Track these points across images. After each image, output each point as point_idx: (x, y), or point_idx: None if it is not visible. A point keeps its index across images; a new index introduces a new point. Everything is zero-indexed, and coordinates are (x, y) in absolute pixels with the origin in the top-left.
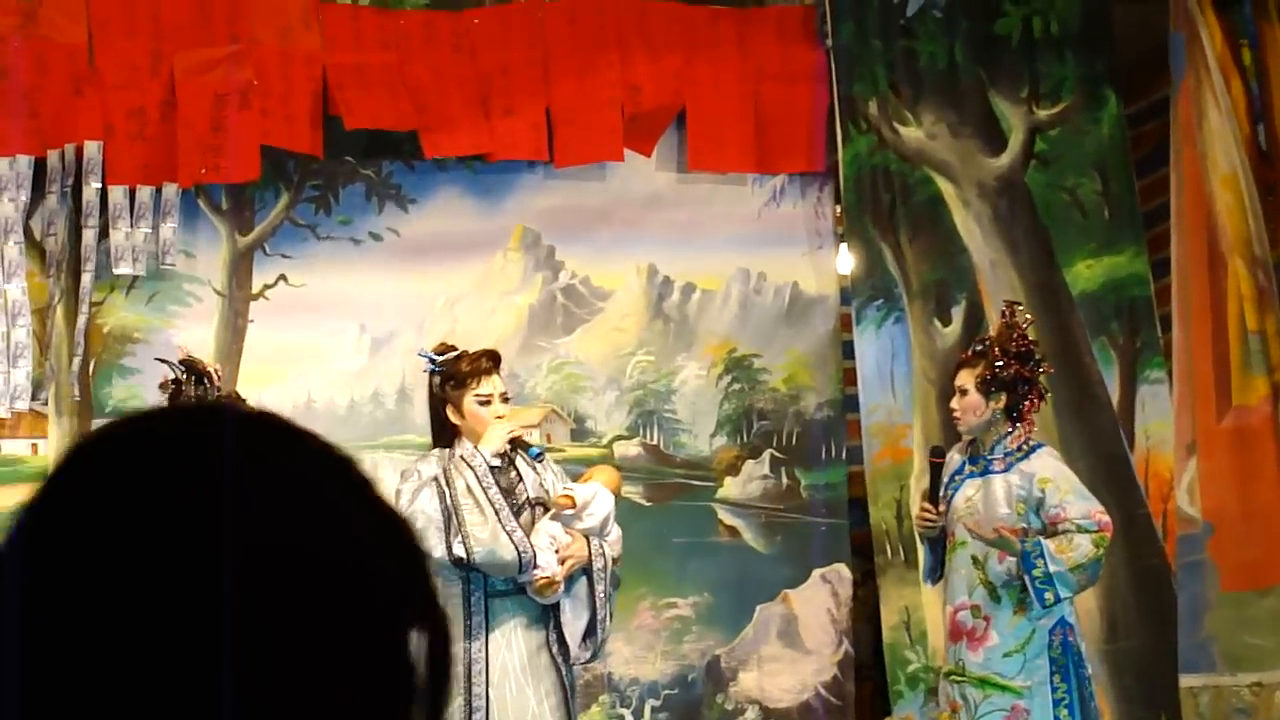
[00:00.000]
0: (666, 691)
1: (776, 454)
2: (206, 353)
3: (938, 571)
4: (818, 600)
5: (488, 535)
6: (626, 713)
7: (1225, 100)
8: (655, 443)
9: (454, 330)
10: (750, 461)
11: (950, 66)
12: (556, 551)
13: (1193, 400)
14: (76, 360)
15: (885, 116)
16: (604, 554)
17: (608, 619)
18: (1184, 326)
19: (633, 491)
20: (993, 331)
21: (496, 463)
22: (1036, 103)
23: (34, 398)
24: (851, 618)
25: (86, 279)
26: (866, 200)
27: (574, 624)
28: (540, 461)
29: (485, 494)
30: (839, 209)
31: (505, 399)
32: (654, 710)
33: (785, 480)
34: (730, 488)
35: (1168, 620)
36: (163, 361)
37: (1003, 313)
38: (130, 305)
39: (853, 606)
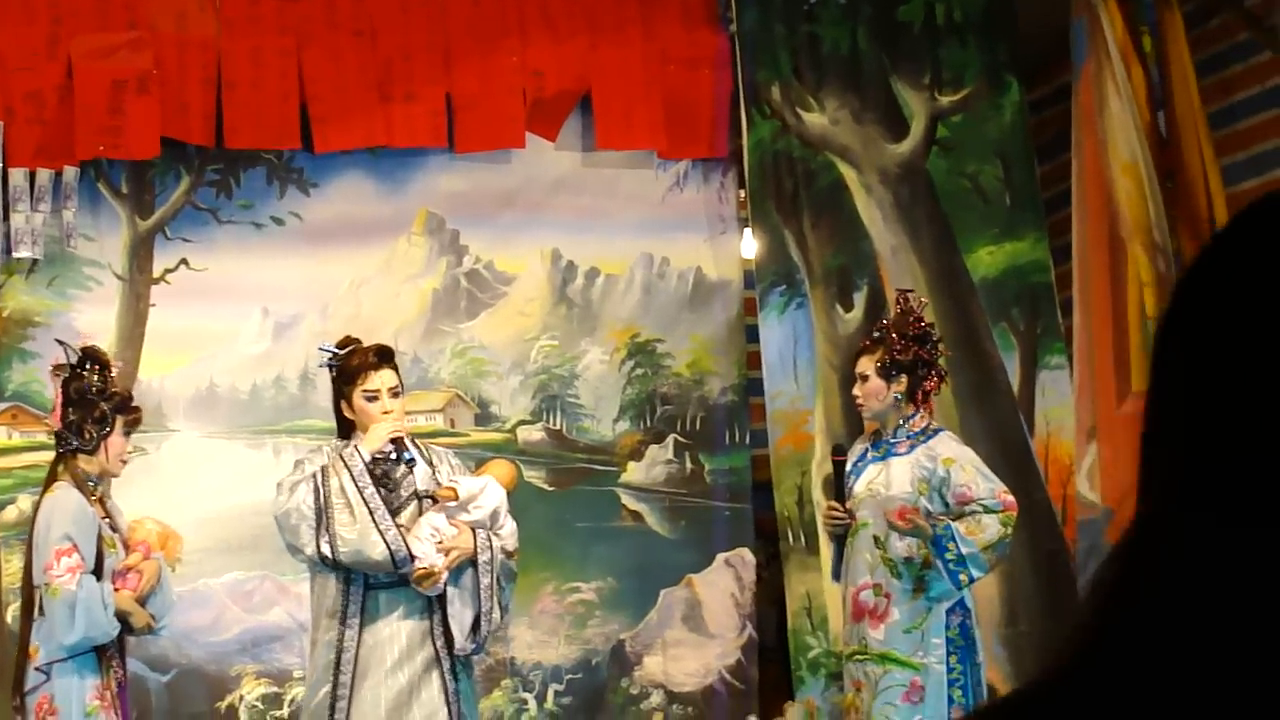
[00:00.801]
0: (570, 676)
1: (680, 439)
2: (109, 337)
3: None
4: (721, 584)
5: (355, 536)
6: (529, 697)
7: (1126, 87)
8: (559, 427)
9: (358, 314)
10: (654, 446)
11: (853, 52)
12: (440, 544)
13: (1093, 386)
14: None
15: (789, 102)
16: (491, 546)
17: (495, 611)
18: (1084, 312)
19: (536, 476)
20: (890, 320)
21: (382, 457)
22: (939, 89)
23: None
24: (755, 602)
25: None
26: (770, 186)
27: (461, 615)
28: (411, 467)
29: (360, 494)
30: (743, 194)
31: (395, 394)
32: (557, 695)
33: (689, 465)
34: (634, 472)
35: (1067, 605)
36: (60, 343)
37: (897, 300)
38: (30, 289)
39: (757, 590)
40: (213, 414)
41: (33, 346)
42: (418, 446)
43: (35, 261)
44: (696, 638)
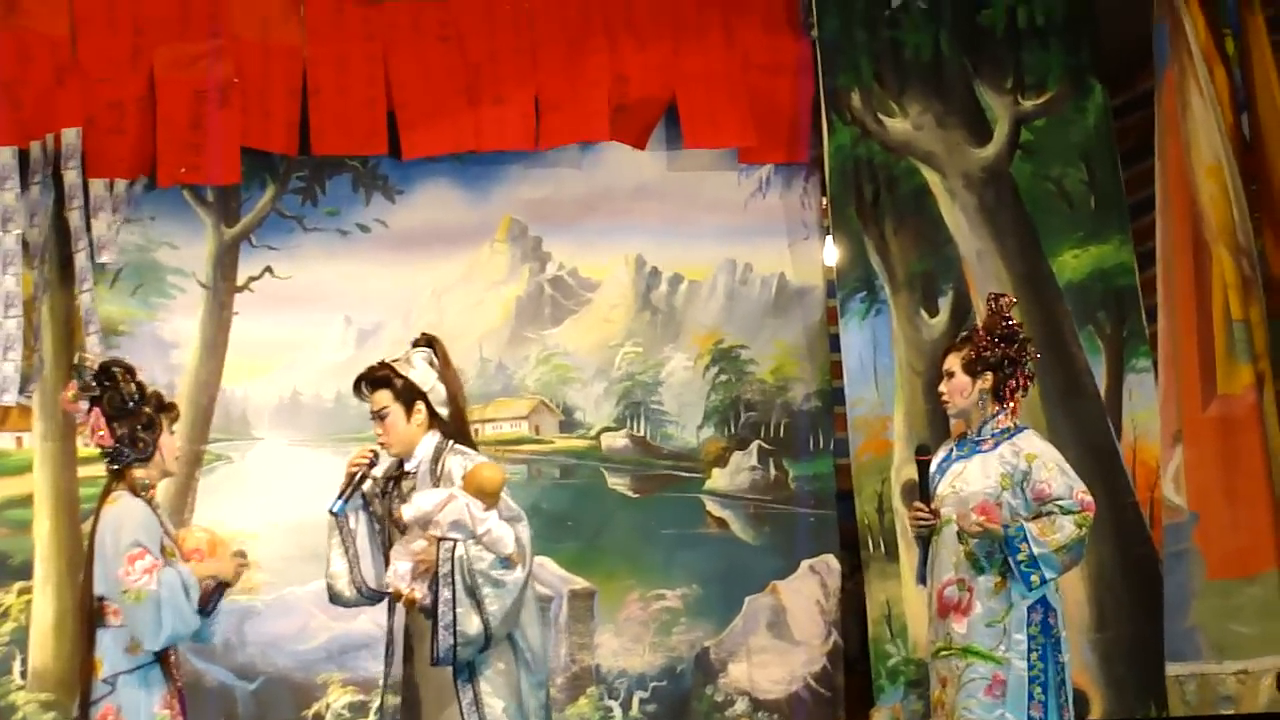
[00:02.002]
0: (655, 683)
1: (764, 445)
2: (192, 346)
3: None
4: (806, 591)
5: (332, 574)
6: (614, 704)
7: (1209, 90)
8: (643, 434)
9: (441, 322)
10: (738, 453)
11: (935, 57)
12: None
13: (1178, 389)
14: (94, 336)
15: (870, 108)
16: (453, 558)
17: (455, 623)
18: (1169, 315)
19: (620, 483)
20: (979, 321)
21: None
22: (1022, 93)
23: (21, 391)
24: (840, 609)
25: (81, 258)
26: (850, 192)
27: (441, 631)
28: (340, 517)
29: (339, 532)
30: (824, 201)
31: (381, 417)
32: (642, 702)
33: (773, 471)
34: (718, 479)
35: (1155, 609)
36: (75, 367)
37: (988, 301)
38: (114, 298)
39: (841, 598)
40: (297, 422)
41: (117, 355)
42: (382, 475)
43: (120, 271)
44: (781, 644)
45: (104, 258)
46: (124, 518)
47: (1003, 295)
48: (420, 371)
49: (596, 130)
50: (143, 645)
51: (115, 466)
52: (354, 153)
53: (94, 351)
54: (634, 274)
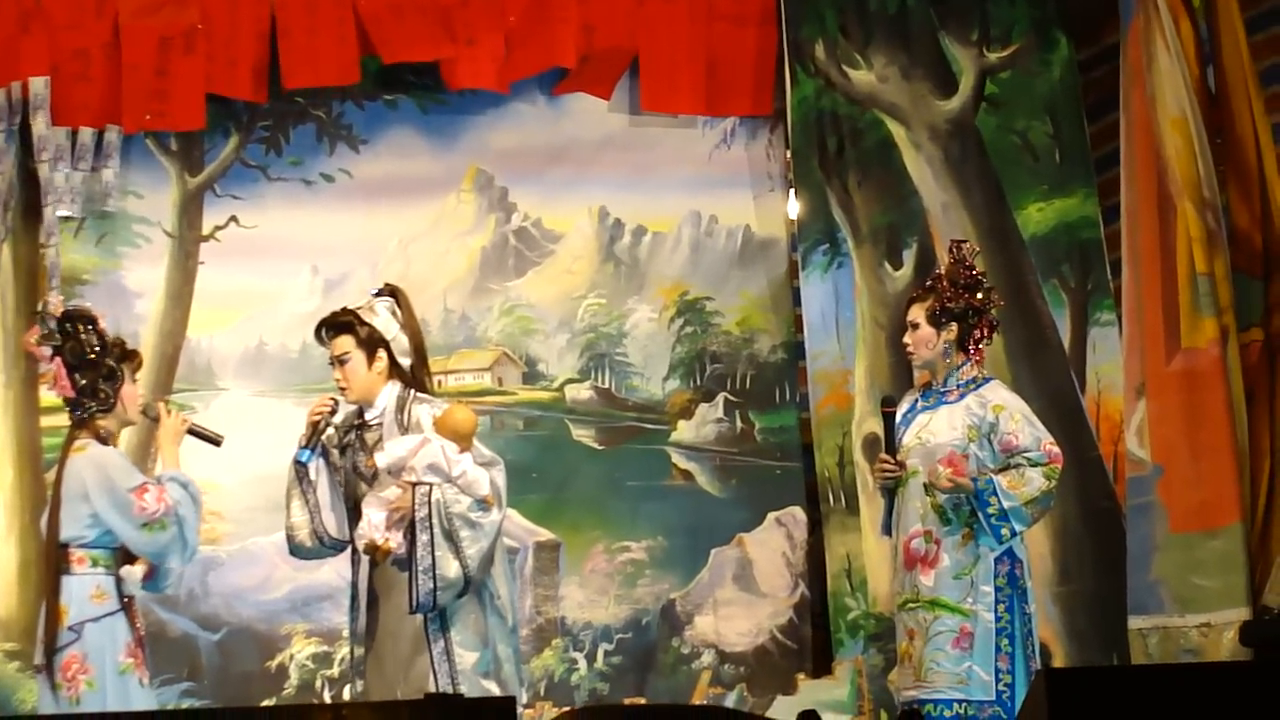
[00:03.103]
0: (620, 635)
1: (730, 397)
2: (157, 295)
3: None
4: (772, 543)
5: (291, 523)
6: (579, 656)
7: (1175, 43)
8: (607, 386)
9: (407, 272)
10: (703, 405)
11: (901, 9)
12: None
13: (1142, 342)
14: (55, 292)
15: (834, 59)
16: (430, 501)
17: (434, 567)
18: (1133, 269)
19: (585, 435)
20: (943, 270)
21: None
22: (987, 45)
23: None
24: (806, 561)
25: (49, 213)
26: (813, 144)
27: (420, 576)
28: (304, 466)
29: (299, 482)
30: (789, 153)
31: (343, 361)
32: (607, 654)
33: (739, 424)
34: (684, 431)
35: (1118, 562)
36: (37, 314)
37: (950, 250)
38: (79, 246)
39: (807, 550)
40: (261, 372)
41: (83, 304)
42: (348, 424)
43: (84, 220)
44: (747, 597)
45: (63, 209)
46: (107, 465)
47: (964, 242)
48: (383, 319)
49: (563, 57)
50: (172, 565)
51: (76, 416)
52: (327, 83)
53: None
54: (598, 225)
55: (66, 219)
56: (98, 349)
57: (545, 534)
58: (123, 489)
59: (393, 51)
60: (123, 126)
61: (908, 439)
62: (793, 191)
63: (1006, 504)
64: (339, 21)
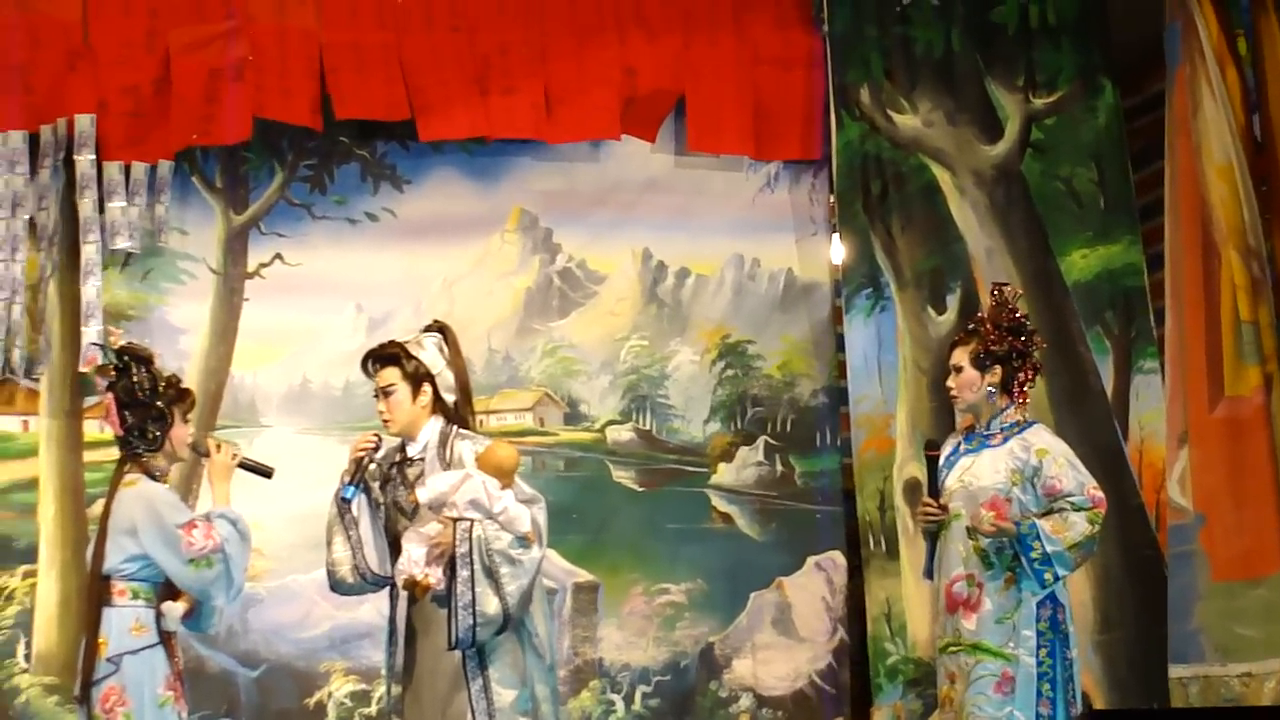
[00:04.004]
0: (658, 678)
1: (771, 441)
2: (202, 331)
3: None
4: (812, 588)
5: (332, 559)
6: (617, 698)
7: (1221, 90)
8: (648, 428)
9: (451, 312)
10: (744, 448)
11: (946, 54)
12: (434, 545)
13: (1185, 390)
14: (95, 327)
15: (879, 104)
16: (470, 537)
17: (474, 603)
18: (1177, 316)
19: (625, 476)
20: (985, 313)
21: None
22: (1033, 91)
23: (27, 374)
24: (846, 605)
25: (90, 249)
26: (858, 188)
27: (460, 612)
28: (347, 503)
29: (340, 518)
30: (833, 197)
31: (388, 393)
32: (645, 697)
33: (779, 467)
34: (724, 474)
35: (1160, 611)
36: (96, 345)
37: (992, 293)
38: (124, 282)
39: (847, 595)
40: (305, 410)
41: (140, 344)
42: (384, 462)
43: (129, 255)
44: (786, 641)
45: (118, 243)
46: (156, 501)
47: (1006, 285)
48: (430, 354)
49: (608, 128)
50: (217, 603)
51: (125, 453)
52: (377, 117)
53: (91, 344)
54: (641, 267)
55: (117, 253)
56: (147, 390)
57: (584, 575)
58: (171, 525)
59: (429, 126)
60: (170, 146)
61: (950, 482)
62: (836, 236)
63: (1049, 548)
64: (384, 64)
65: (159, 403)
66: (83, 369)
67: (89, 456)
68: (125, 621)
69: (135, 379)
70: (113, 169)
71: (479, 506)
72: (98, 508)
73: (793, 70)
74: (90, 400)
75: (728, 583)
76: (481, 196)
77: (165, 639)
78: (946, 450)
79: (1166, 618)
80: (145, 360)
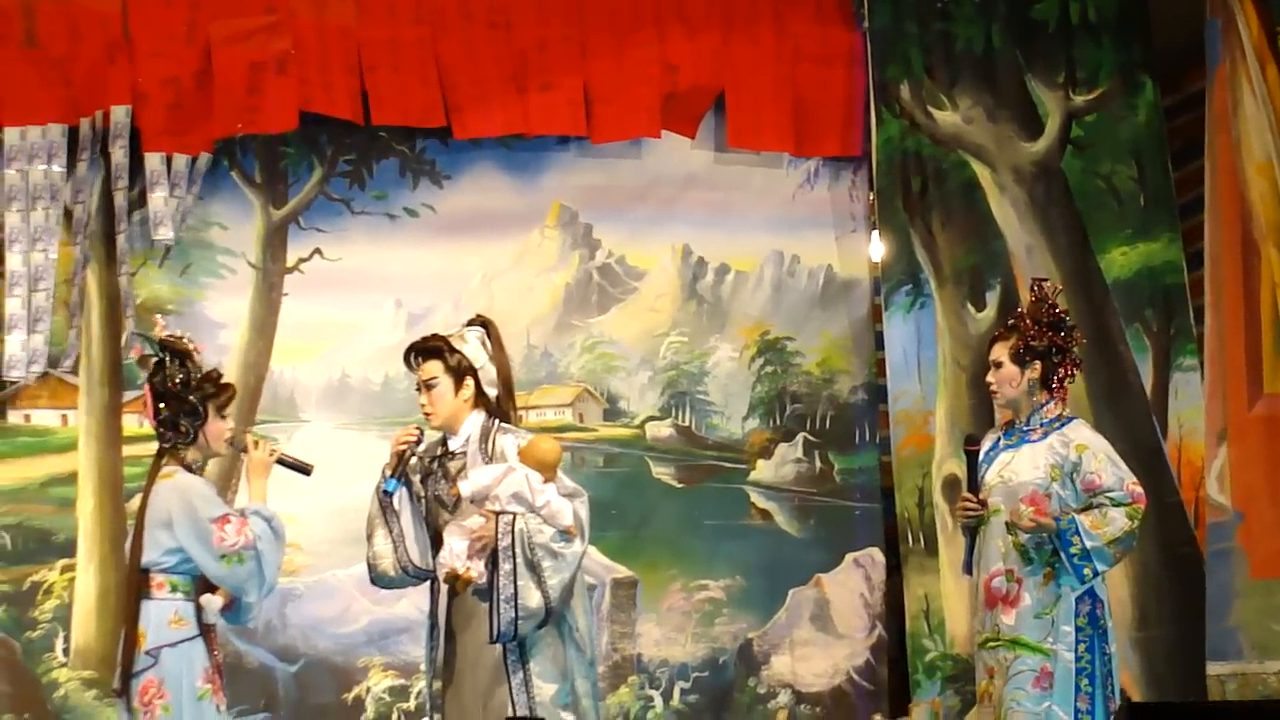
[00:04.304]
0: (696, 674)
1: (810, 437)
2: (241, 326)
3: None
4: (850, 584)
5: (373, 553)
6: (656, 694)
7: (1261, 87)
8: (688, 424)
9: (491, 307)
10: (783, 444)
11: (987, 51)
12: (476, 539)
13: (1224, 387)
14: (129, 320)
15: (919, 100)
16: (513, 531)
17: (516, 596)
18: (1216, 313)
19: (664, 473)
20: (1025, 309)
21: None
22: (1074, 88)
23: (54, 365)
24: (884, 602)
25: (121, 239)
26: (897, 184)
27: (502, 605)
28: (389, 496)
29: (382, 512)
30: (873, 193)
31: (430, 386)
32: (683, 692)
33: (819, 464)
34: (763, 470)
35: (1197, 608)
36: (139, 335)
37: (1032, 288)
38: (163, 276)
39: (886, 592)
40: (344, 405)
41: (181, 336)
42: (440, 452)
43: (169, 249)
44: (825, 637)
45: (160, 234)
46: (191, 493)
47: (1046, 280)
48: (473, 348)
49: (648, 127)
50: (248, 598)
51: (162, 445)
52: (412, 124)
53: (130, 335)
54: (680, 264)
55: (156, 246)
56: (179, 383)
57: (623, 571)
58: (205, 519)
59: (464, 124)
60: (213, 134)
61: (990, 477)
62: (875, 233)
63: (1089, 544)
64: (421, 63)
65: (192, 397)
66: (127, 359)
67: (128, 451)
68: (164, 614)
69: (168, 371)
70: (154, 159)
71: (521, 500)
72: (136, 502)
73: (833, 67)
74: (129, 394)
75: (766, 579)
76: (521, 192)
77: (204, 632)
78: (986, 445)
79: (1204, 615)
80: (182, 354)
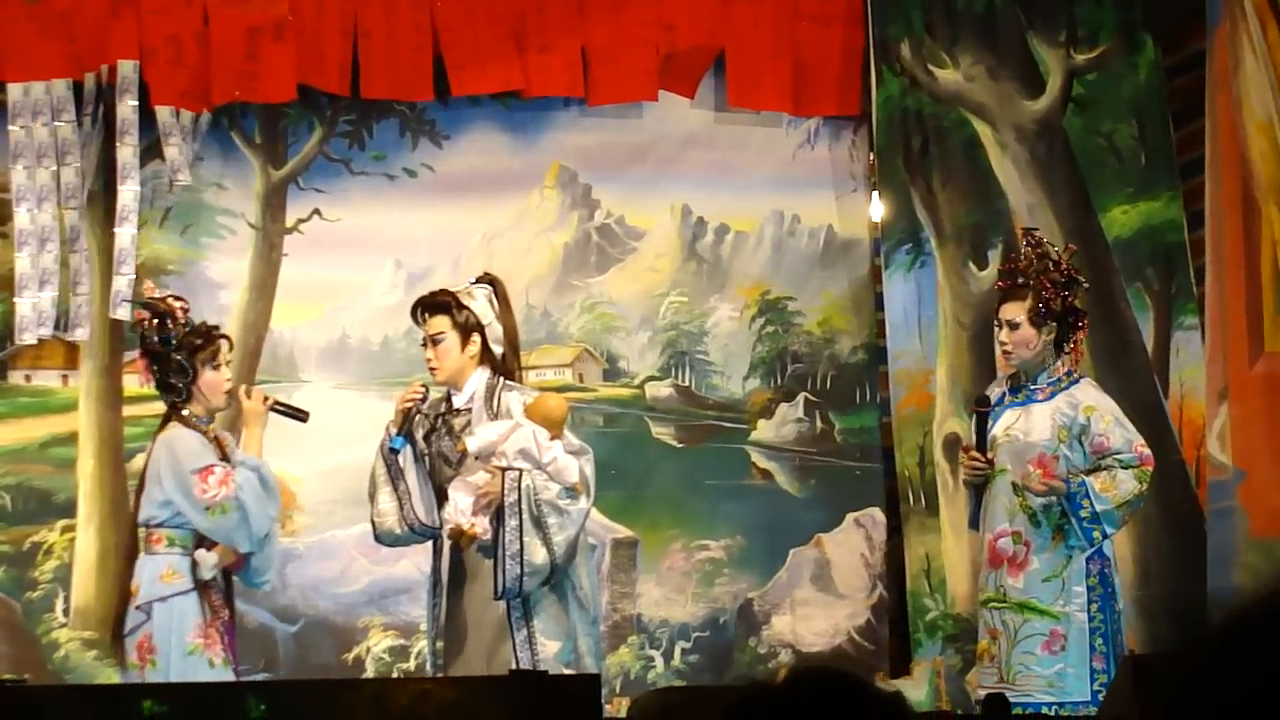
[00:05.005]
0: (697, 634)
1: (810, 397)
2: (241, 286)
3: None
4: (851, 544)
5: (378, 510)
6: (656, 654)
7: (1261, 45)
8: (688, 384)
9: (490, 267)
10: (784, 404)
11: (988, 9)
12: (481, 495)
13: (1224, 346)
14: (128, 276)
15: (919, 59)
16: (519, 487)
17: (521, 552)
18: (1217, 272)
19: (665, 433)
20: (1023, 262)
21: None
22: (1074, 46)
23: (58, 326)
24: (885, 562)
25: (127, 195)
26: (898, 143)
27: (507, 561)
28: (396, 454)
29: (387, 469)
30: (873, 153)
31: (437, 341)
32: (684, 652)
33: (819, 424)
34: (763, 430)
35: (1199, 567)
36: (125, 301)
37: (1025, 240)
38: (163, 237)
39: (886, 552)
40: (344, 365)
41: (160, 295)
42: (443, 409)
43: (168, 210)
44: (825, 597)
45: (181, 178)
46: (177, 445)
47: (1036, 230)
48: (480, 304)
49: (646, 90)
50: (240, 550)
51: (165, 404)
52: (401, 98)
53: (125, 293)
54: (680, 223)
55: (156, 206)
56: (160, 341)
57: (623, 531)
58: (187, 470)
59: (462, 81)
60: (211, 98)
61: (995, 432)
62: (875, 193)
63: (1099, 506)
64: (416, 27)
65: (177, 355)
66: (116, 316)
67: (128, 411)
68: (158, 568)
69: (146, 332)
70: (164, 112)
71: (528, 456)
72: (137, 462)
73: (831, 26)
74: (129, 355)
75: (767, 539)
76: (520, 152)
77: (200, 587)
78: (991, 400)
79: (1205, 573)
80: (163, 313)
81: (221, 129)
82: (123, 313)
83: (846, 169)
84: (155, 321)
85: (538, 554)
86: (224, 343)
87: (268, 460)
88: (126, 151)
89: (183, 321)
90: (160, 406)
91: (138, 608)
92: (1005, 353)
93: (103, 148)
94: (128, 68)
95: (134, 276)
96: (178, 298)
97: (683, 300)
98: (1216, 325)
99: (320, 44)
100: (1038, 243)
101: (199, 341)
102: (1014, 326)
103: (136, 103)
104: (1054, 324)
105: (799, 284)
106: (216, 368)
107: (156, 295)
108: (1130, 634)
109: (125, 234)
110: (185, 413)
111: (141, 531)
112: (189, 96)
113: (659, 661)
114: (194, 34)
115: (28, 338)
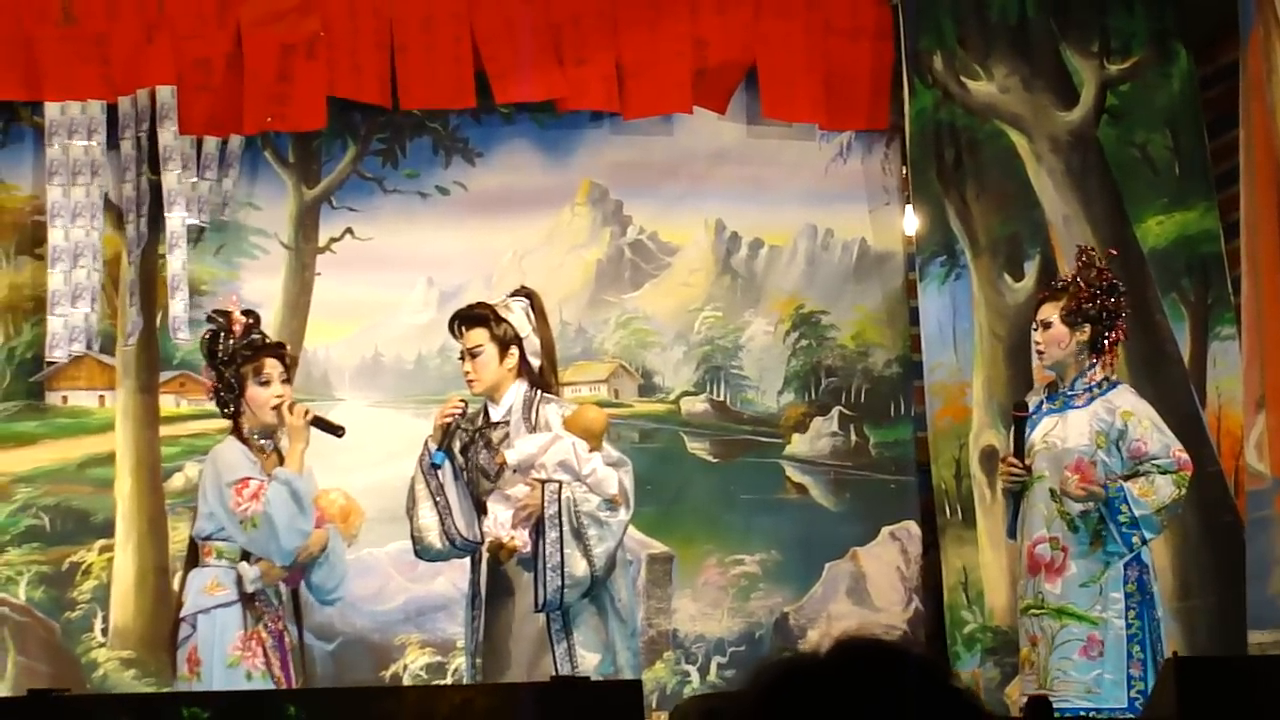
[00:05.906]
0: (733, 649)
1: (845, 411)
2: (274, 306)
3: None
4: (886, 557)
5: (420, 526)
6: (692, 669)
7: None
8: (722, 399)
9: (522, 285)
10: (818, 418)
11: (1021, 20)
12: (521, 508)
13: (1262, 354)
14: (182, 300)
15: (952, 71)
16: (559, 499)
17: (562, 564)
18: (1253, 279)
19: (699, 448)
20: (1067, 277)
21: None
22: (1108, 57)
23: (89, 346)
24: (921, 576)
25: (174, 220)
26: (931, 156)
27: (548, 573)
28: (437, 470)
29: (426, 484)
30: (905, 169)
31: (475, 354)
32: (720, 667)
33: (854, 437)
34: (798, 444)
35: (1238, 577)
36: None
37: (1079, 257)
38: (197, 257)
39: (923, 565)
40: (378, 383)
41: (199, 315)
42: (481, 424)
43: (202, 230)
44: (861, 611)
45: (192, 218)
46: (219, 459)
47: (1093, 250)
48: (518, 317)
49: (679, 103)
50: (276, 564)
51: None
52: (442, 107)
53: (182, 318)
54: (714, 238)
55: (193, 228)
56: (209, 355)
57: (658, 546)
58: (225, 483)
59: (504, 89)
60: (244, 129)
61: (1033, 438)
62: (909, 206)
63: (1138, 512)
64: (455, 39)
65: (226, 371)
66: (175, 341)
67: (165, 431)
68: (204, 581)
69: (204, 349)
70: (185, 143)
71: (568, 468)
72: (174, 482)
73: (861, 40)
74: (166, 375)
75: (802, 553)
76: (551, 170)
77: (246, 600)
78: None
79: (1245, 583)
80: (216, 331)
81: (255, 149)
82: (182, 337)
83: (879, 182)
84: (209, 335)
85: (578, 566)
86: (272, 359)
87: (337, 486)
88: (171, 178)
89: (240, 336)
90: (197, 425)
91: (183, 619)
92: (1039, 353)
93: (139, 172)
94: (166, 94)
95: (188, 300)
96: (247, 312)
97: (717, 315)
98: (1253, 333)
99: (356, 57)
100: (1089, 257)
101: (247, 354)
102: (1047, 326)
103: (176, 129)
104: (1087, 325)
105: (833, 298)
106: (264, 384)
107: (227, 309)
108: (1170, 643)
109: (176, 260)
110: (239, 423)
111: (199, 545)
112: (219, 121)
113: (695, 677)
114: (225, 56)
115: (59, 354)
